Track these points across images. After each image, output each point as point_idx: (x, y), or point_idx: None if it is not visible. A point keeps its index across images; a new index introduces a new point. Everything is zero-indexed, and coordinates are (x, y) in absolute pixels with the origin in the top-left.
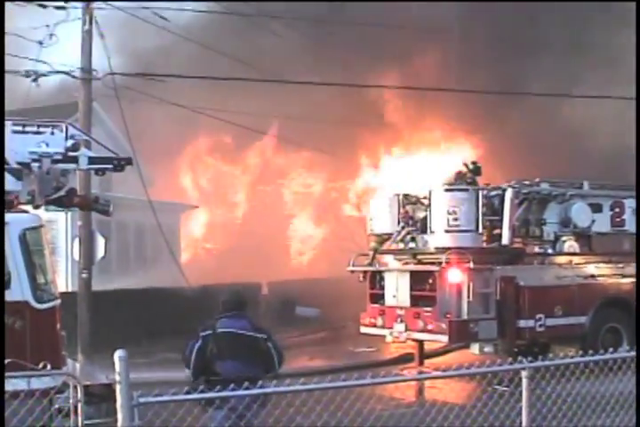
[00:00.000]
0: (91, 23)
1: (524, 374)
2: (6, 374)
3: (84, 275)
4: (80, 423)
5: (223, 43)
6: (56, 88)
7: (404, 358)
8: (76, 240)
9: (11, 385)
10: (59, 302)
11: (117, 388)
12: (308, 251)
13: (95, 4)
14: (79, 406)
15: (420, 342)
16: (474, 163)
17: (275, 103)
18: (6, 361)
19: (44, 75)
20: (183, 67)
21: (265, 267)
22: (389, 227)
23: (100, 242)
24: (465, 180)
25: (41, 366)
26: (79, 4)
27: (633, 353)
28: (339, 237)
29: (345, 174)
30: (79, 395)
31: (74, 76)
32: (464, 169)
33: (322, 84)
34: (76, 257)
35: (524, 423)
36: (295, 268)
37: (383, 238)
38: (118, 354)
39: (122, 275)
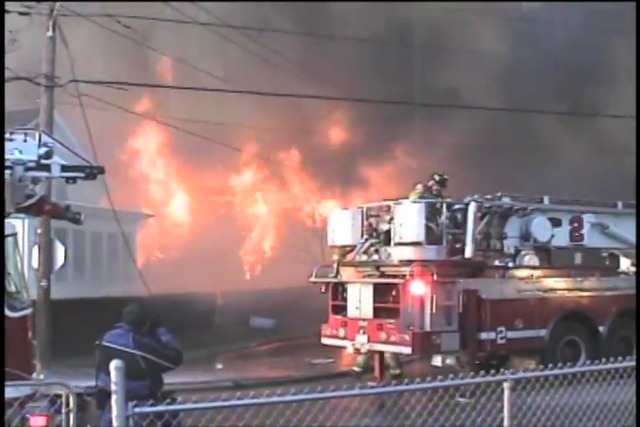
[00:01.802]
0: (54, 30)
1: (506, 385)
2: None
3: (43, 283)
4: None
5: (189, 52)
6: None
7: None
8: (35, 248)
9: None
10: (31, 310)
11: (113, 398)
12: (263, 262)
13: (58, 11)
14: (71, 415)
15: (381, 354)
16: (440, 175)
17: (237, 114)
18: None
19: (6, 80)
20: (152, 76)
21: (219, 277)
22: (351, 239)
23: (60, 250)
24: (431, 192)
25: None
26: (43, 10)
27: (633, 363)
28: (294, 247)
29: (300, 186)
30: (72, 404)
31: (36, 83)
32: (430, 181)
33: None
34: (35, 265)
35: None
36: (250, 278)
37: (345, 250)
38: (115, 364)
39: (78, 283)
